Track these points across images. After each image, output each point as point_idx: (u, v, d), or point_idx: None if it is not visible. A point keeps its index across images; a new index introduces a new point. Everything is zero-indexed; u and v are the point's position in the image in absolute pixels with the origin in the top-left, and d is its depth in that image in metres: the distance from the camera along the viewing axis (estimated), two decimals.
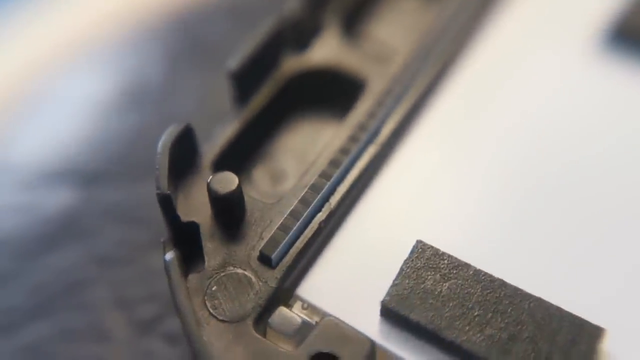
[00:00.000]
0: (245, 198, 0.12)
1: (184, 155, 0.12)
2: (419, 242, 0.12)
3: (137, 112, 0.15)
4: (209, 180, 0.11)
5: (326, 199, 0.12)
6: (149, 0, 0.19)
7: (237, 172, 0.13)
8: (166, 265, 0.11)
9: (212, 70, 0.17)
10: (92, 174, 0.14)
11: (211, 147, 0.13)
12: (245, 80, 0.13)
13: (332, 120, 0.15)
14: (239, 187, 0.11)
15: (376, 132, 0.13)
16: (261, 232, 0.12)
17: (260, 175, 0.14)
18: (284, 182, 0.14)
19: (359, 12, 0.16)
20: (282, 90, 0.14)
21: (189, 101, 0.16)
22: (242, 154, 0.14)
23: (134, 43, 0.17)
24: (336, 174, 0.12)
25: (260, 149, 0.14)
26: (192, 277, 0.11)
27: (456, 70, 0.15)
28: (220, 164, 0.13)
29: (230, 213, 0.12)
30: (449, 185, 0.13)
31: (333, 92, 0.15)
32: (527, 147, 0.13)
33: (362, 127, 0.13)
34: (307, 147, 0.14)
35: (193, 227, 0.12)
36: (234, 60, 0.13)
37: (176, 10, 0.19)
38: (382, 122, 0.13)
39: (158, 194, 0.11)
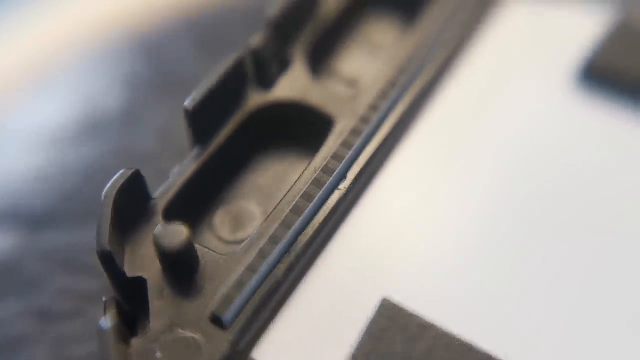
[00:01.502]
0: (199, 249, 0.11)
1: (132, 203, 0.11)
2: (384, 300, 0.10)
3: (93, 144, 0.14)
4: (155, 232, 0.10)
5: (286, 250, 0.11)
6: (110, 20, 0.17)
7: (194, 217, 0.12)
8: (99, 332, 0.09)
9: (177, 99, 0.16)
10: (39, 214, 0.13)
11: (164, 192, 0.11)
12: (203, 119, 0.12)
13: (299, 159, 0.13)
14: (189, 239, 0.10)
15: (341, 176, 0.12)
16: (214, 288, 0.10)
17: (220, 220, 0.12)
18: (247, 226, 0.13)
19: (326, 46, 0.14)
20: (245, 127, 0.13)
21: (151, 133, 0.14)
22: (200, 197, 0.12)
23: (92, 67, 0.16)
24: (298, 221, 0.11)
25: (221, 191, 0.13)
26: (136, 342, 0.10)
27: (429, 106, 0.13)
28: (175, 210, 0.11)
29: (180, 268, 0.10)
30: (419, 234, 0.12)
31: (299, 129, 0.13)
32: (500, 197, 0.12)
33: (326, 170, 0.12)
34: (272, 187, 0.13)
35: (140, 283, 0.10)
36: (190, 98, 0.12)
37: (140, 32, 0.17)
38: (349, 165, 0.12)
39: (98, 251, 0.10)
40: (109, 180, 0.11)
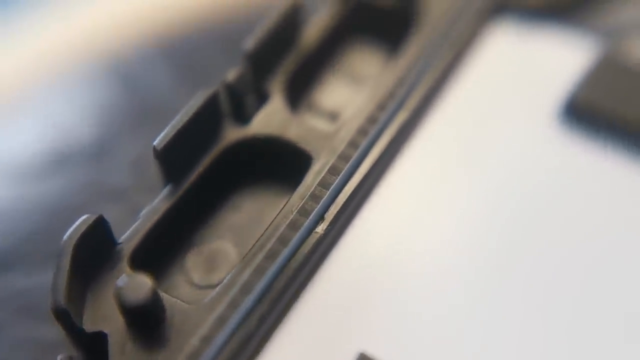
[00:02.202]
0: (166, 299, 0.10)
1: (95, 251, 0.10)
2: (362, 355, 0.10)
3: (61, 178, 0.13)
4: (117, 285, 0.09)
5: (259, 299, 0.10)
6: (82, 45, 0.16)
7: (164, 260, 0.11)
8: None
9: (153, 130, 0.15)
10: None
11: (132, 236, 0.10)
12: (174, 158, 0.11)
13: (277, 196, 0.13)
14: (154, 291, 0.09)
15: (319, 218, 0.11)
16: (182, 342, 0.09)
17: (193, 262, 0.12)
18: (221, 268, 0.12)
19: (306, 79, 0.14)
20: (220, 164, 0.12)
21: (123, 167, 0.14)
22: (172, 238, 0.11)
23: (62, 95, 0.15)
24: (272, 268, 0.10)
25: (194, 231, 0.12)
26: None
27: (410, 142, 0.13)
28: (143, 255, 0.11)
29: (145, 322, 0.09)
30: (398, 282, 0.11)
31: (277, 166, 0.13)
32: (480, 243, 0.11)
33: (303, 212, 0.11)
34: (249, 226, 0.12)
35: (100, 339, 0.09)
36: (160, 138, 0.11)
37: (114, 58, 0.16)
38: (327, 206, 0.11)
39: (52, 308, 0.09)
40: (77, 218, 0.10)
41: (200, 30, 0.18)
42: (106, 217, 0.11)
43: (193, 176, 0.12)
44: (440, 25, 0.14)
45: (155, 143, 0.11)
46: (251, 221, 0.13)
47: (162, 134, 0.11)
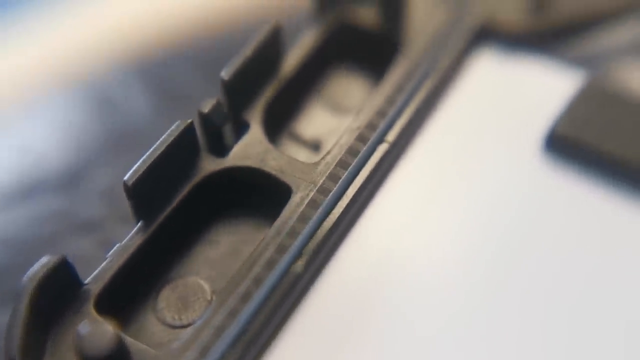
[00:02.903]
0: (132, 345, 0.09)
1: (57, 294, 0.09)
2: None
3: (28, 208, 0.12)
4: (77, 333, 0.08)
5: (231, 345, 0.09)
6: (55, 63, 0.15)
7: (135, 300, 0.10)
8: None
9: (128, 157, 0.14)
10: None
11: (99, 276, 0.10)
12: (146, 193, 0.10)
13: (256, 228, 0.12)
14: (117, 340, 0.08)
15: (297, 255, 0.11)
16: None
17: (165, 301, 0.11)
18: (195, 306, 0.11)
19: (287, 108, 0.13)
20: (196, 197, 0.12)
21: (96, 196, 0.13)
22: (143, 276, 0.11)
23: (32, 117, 0.14)
24: (245, 310, 0.10)
25: (167, 267, 0.11)
26: None
27: (392, 174, 0.12)
28: (111, 297, 0.10)
29: None
30: (377, 322, 0.10)
31: (256, 198, 0.12)
32: (461, 273, 0.11)
33: (280, 249, 0.11)
34: (226, 261, 0.11)
35: None
36: (131, 173, 0.10)
37: (89, 78, 0.15)
38: (304, 242, 0.11)
39: (5, 358, 0.08)
40: (44, 252, 0.10)
41: (179, 53, 0.17)
42: (76, 251, 0.10)
43: (167, 211, 0.11)
44: (424, 52, 0.13)
45: (125, 178, 0.10)
46: (228, 255, 0.12)
47: (133, 169, 0.10)
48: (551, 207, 0.12)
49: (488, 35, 0.14)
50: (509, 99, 0.13)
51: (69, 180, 0.13)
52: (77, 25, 0.17)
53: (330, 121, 0.14)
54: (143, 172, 0.10)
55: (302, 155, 0.13)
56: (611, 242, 0.11)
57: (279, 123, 0.13)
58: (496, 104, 0.13)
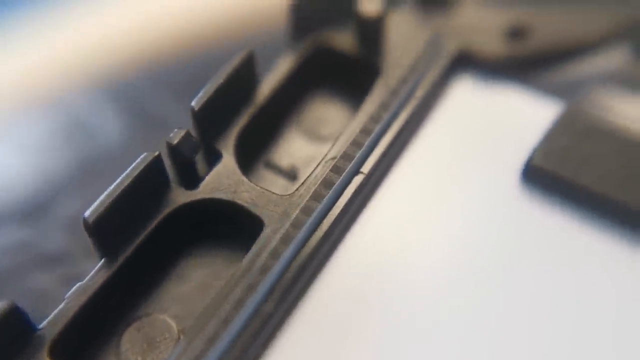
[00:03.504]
0: None
1: (7, 341, 0.09)
2: None
3: None
4: None
5: None
6: (24, 82, 0.14)
7: (95, 342, 0.10)
8: None
9: (98, 183, 0.13)
10: None
11: (55, 320, 0.09)
12: (109, 231, 0.10)
13: (226, 262, 0.11)
14: None
15: (267, 293, 0.10)
16: None
17: (129, 342, 0.10)
18: (161, 347, 0.10)
19: (262, 135, 0.13)
20: (165, 232, 0.11)
21: (61, 227, 0.12)
22: (105, 316, 0.10)
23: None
24: (212, 354, 0.09)
25: (132, 305, 0.11)
26: None
27: (366, 208, 0.12)
28: (68, 341, 0.09)
29: None
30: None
31: (227, 231, 0.11)
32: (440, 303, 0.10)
33: (250, 288, 0.10)
34: (195, 297, 0.11)
35: None
36: (92, 209, 0.10)
37: (60, 98, 0.14)
38: (276, 279, 0.10)
39: None
40: (4, 287, 0.09)
41: (154, 76, 0.17)
42: (38, 286, 0.10)
43: (132, 247, 0.10)
44: (402, 79, 0.13)
45: (85, 215, 0.10)
46: (198, 291, 0.11)
47: (94, 205, 0.10)
48: (526, 237, 0.11)
49: (466, 62, 0.13)
50: (487, 128, 0.13)
51: (34, 209, 0.12)
52: (47, 45, 0.16)
53: (307, 148, 0.14)
54: (105, 208, 0.10)
55: (278, 184, 0.13)
56: (583, 275, 0.11)
57: (253, 151, 0.13)
58: (474, 133, 0.13)
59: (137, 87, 0.16)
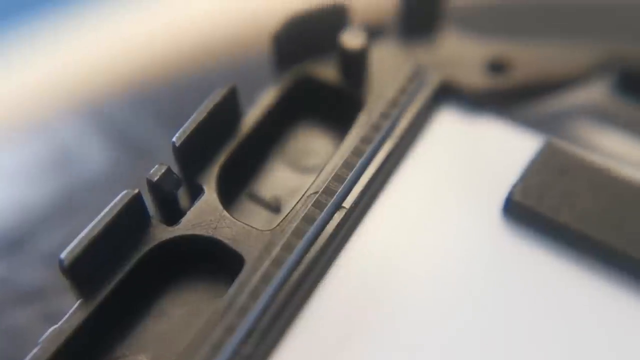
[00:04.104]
0: None
1: None
2: None
3: None
4: None
5: None
6: (6, 107, 0.14)
7: None
8: None
9: (83, 215, 0.13)
10: None
11: None
12: (86, 270, 0.10)
13: (208, 299, 0.11)
14: None
15: (248, 334, 0.10)
16: None
17: None
18: None
19: (246, 167, 0.13)
20: (144, 269, 0.11)
21: (40, 261, 0.12)
22: (85, 358, 0.10)
23: None
24: None
25: (111, 345, 0.10)
26: None
27: (349, 242, 0.11)
28: None
29: None
30: None
31: (208, 267, 0.11)
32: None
33: (230, 329, 0.10)
34: (174, 336, 0.11)
35: None
36: (68, 251, 0.09)
37: (44, 118, 0.14)
38: (256, 320, 0.10)
39: None
40: None
41: (140, 103, 0.16)
42: (15, 323, 0.09)
43: (110, 287, 0.10)
44: (385, 111, 0.13)
45: (61, 257, 0.09)
46: (178, 329, 0.11)
47: (70, 246, 0.09)
48: (508, 272, 0.11)
49: (448, 94, 0.13)
50: (469, 161, 0.13)
51: (11, 243, 0.12)
52: (30, 70, 0.16)
53: (292, 180, 0.14)
54: (81, 249, 0.09)
55: (262, 216, 0.13)
56: (561, 312, 0.11)
57: (237, 184, 0.13)
58: (457, 166, 0.13)
59: (122, 115, 0.15)
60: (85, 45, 0.16)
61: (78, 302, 0.10)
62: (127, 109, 0.16)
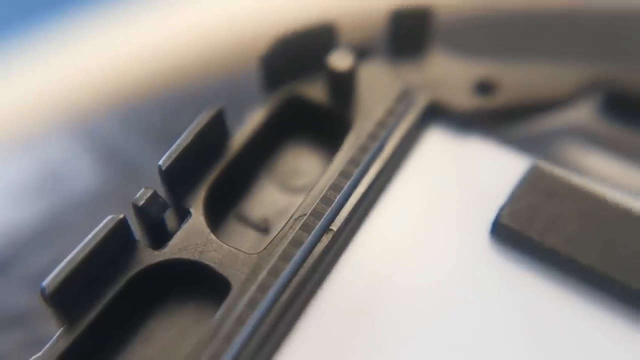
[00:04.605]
0: None
1: None
2: None
3: None
4: None
5: None
6: None
7: None
8: None
9: (70, 237, 0.13)
10: None
11: None
12: (70, 298, 0.09)
13: (194, 323, 0.11)
14: None
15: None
16: None
17: None
18: None
19: (234, 188, 0.12)
20: (129, 294, 0.10)
21: (23, 287, 0.12)
22: None
23: None
24: None
25: None
26: None
27: (338, 264, 0.11)
28: None
29: None
30: None
31: (194, 291, 0.11)
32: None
33: (213, 357, 0.10)
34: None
35: None
36: (50, 279, 0.09)
37: (32, 135, 0.14)
38: (241, 347, 0.10)
39: None
40: None
41: (129, 121, 0.16)
42: None
43: (94, 313, 0.10)
44: (373, 131, 0.13)
45: (44, 284, 0.09)
46: (164, 354, 0.11)
47: (52, 274, 0.09)
48: (496, 294, 0.11)
49: (436, 115, 0.13)
50: (458, 182, 0.13)
51: (9, 270, 0.12)
52: (17, 87, 0.16)
53: (281, 200, 0.13)
54: (64, 277, 0.09)
55: (250, 238, 0.13)
56: (549, 336, 0.11)
57: (225, 205, 0.13)
58: (445, 187, 0.13)
59: (112, 132, 0.15)
60: (73, 62, 0.16)
61: (60, 329, 0.10)
62: (116, 126, 0.16)
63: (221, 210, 0.13)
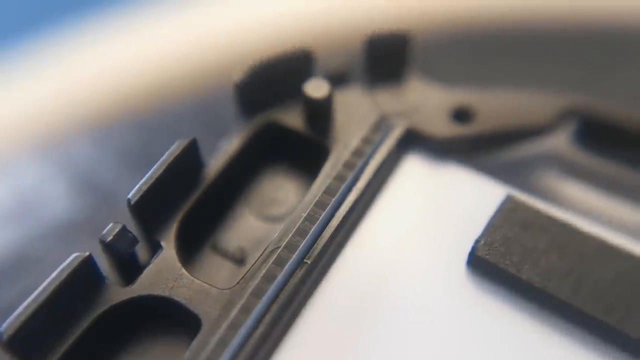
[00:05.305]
0: None
1: None
2: None
3: None
4: None
5: None
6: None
7: None
8: None
9: (36, 274, 0.12)
10: None
11: None
12: (30, 343, 0.09)
13: (167, 358, 0.11)
14: None
15: None
16: None
17: None
18: None
19: (209, 218, 0.12)
20: (97, 331, 0.10)
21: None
22: None
23: None
24: None
25: None
26: None
27: (311, 299, 0.11)
28: None
29: None
30: None
31: (164, 328, 0.11)
32: None
33: None
34: None
35: None
36: (8, 322, 0.09)
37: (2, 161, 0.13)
38: None
39: None
40: None
41: (104, 145, 0.16)
42: None
43: (59, 354, 0.09)
44: (349, 159, 0.12)
45: (1, 329, 0.09)
46: None
47: (10, 318, 0.09)
48: (471, 326, 0.11)
49: (414, 142, 0.13)
50: (434, 211, 0.13)
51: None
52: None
53: (258, 229, 0.13)
54: (24, 319, 0.09)
55: (225, 269, 0.12)
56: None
57: (200, 236, 0.12)
58: (422, 217, 0.12)
59: (86, 156, 0.15)
60: (47, 83, 0.16)
61: None
62: (91, 150, 0.15)
63: (196, 241, 0.12)
